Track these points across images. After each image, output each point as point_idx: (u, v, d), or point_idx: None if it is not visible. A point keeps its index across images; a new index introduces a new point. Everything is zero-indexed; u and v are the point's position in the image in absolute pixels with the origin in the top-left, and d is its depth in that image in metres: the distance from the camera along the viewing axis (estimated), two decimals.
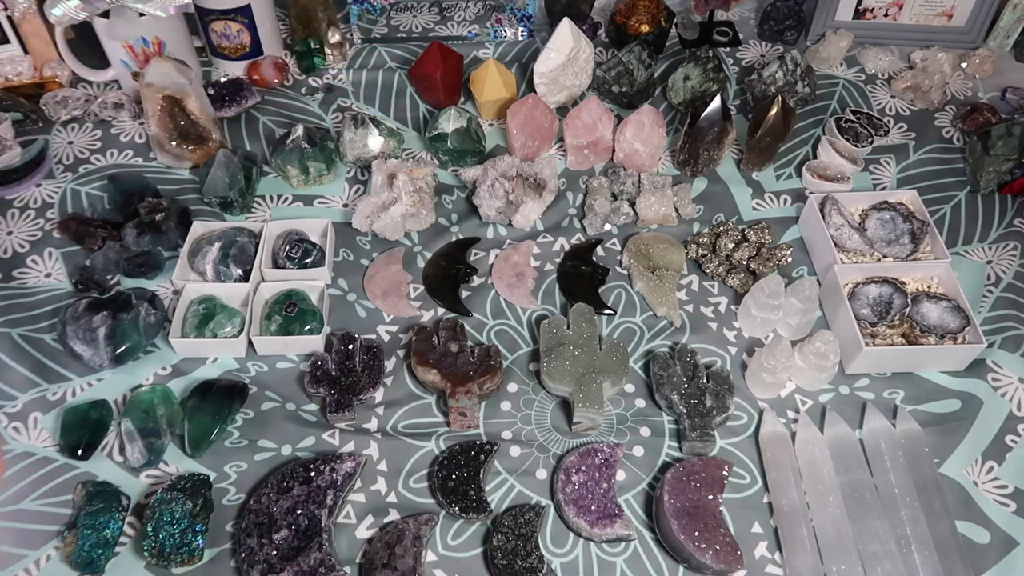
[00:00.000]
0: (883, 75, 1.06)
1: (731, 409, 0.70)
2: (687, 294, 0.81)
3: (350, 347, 0.73)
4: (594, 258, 0.84)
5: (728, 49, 1.10)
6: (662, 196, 0.86)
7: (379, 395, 0.72)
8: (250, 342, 0.74)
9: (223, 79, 0.98)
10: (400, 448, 0.68)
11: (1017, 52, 1.08)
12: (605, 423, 0.71)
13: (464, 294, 0.80)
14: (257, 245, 0.80)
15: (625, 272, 0.83)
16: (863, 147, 0.92)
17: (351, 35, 1.08)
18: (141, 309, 0.73)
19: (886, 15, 1.08)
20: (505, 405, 0.71)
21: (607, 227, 0.87)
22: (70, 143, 0.94)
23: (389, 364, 0.74)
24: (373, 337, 0.76)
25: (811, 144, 0.97)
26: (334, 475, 0.64)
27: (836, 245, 0.80)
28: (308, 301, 0.76)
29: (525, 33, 1.09)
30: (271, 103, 1.00)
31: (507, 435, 0.70)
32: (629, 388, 0.73)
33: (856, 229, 0.81)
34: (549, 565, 0.61)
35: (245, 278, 0.78)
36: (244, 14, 0.97)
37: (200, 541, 0.60)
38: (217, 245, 0.79)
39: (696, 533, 0.61)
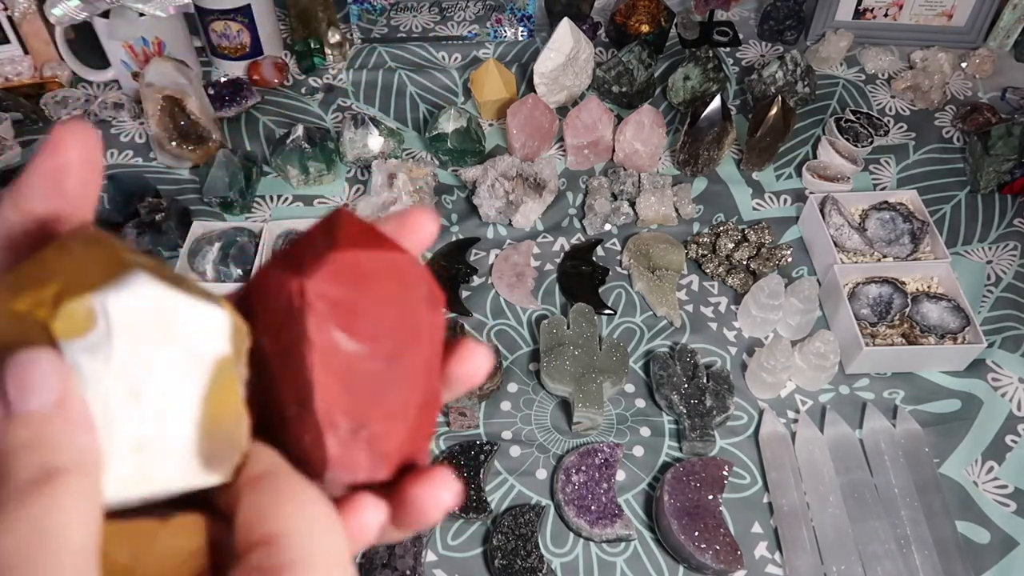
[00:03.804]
0: (883, 75, 1.06)
1: (731, 409, 0.70)
2: (687, 294, 0.81)
3: None
4: (594, 258, 0.84)
5: (728, 49, 1.10)
6: (662, 196, 0.86)
7: None
8: None
9: (223, 79, 0.98)
10: None
11: (1017, 52, 1.08)
12: (605, 423, 0.71)
13: (464, 294, 0.80)
14: (257, 245, 0.80)
15: (625, 272, 0.83)
16: (863, 147, 0.92)
17: (351, 35, 1.08)
18: None
19: (886, 15, 1.08)
20: (505, 405, 0.71)
21: (607, 227, 0.87)
22: None
23: None
24: None
25: (811, 144, 0.97)
26: None
27: (836, 245, 0.80)
28: None
29: (525, 33, 1.09)
30: (271, 103, 1.00)
31: (507, 435, 0.70)
32: (629, 388, 0.73)
33: (856, 229, 0.81)
34: (549, 565, 0.61)
35: (245, 278, 0.78)
36: (244, 14, 0.97)
37: None
38: (217, 245, 0.79)
39: (696, 533, 0.61)
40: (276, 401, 0.20)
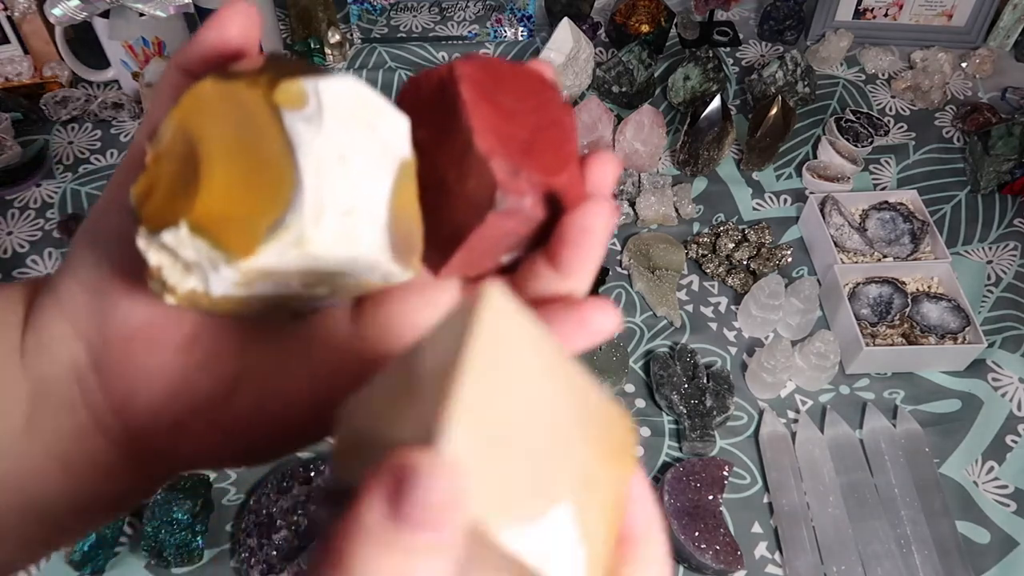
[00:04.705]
0: (883, 75, 1.06)
1: (731, 409, 0.70)
2: (687, 294, 0.81)
3: None
4: None
5: (728, 49, 1.10)
6: (662, 196, 0.86)
7: None
8: None
9: None
10: None
11: (1017, 52, 1.08)
12: None
13: None
14: None
15: (625, 272, 0.83)
16: (863, 147, 0.92)
17: (351, 35, 1.08)
18: None
19: (886, 15, 1.08)
20: None
21: None
22: (70, 143, 0.94)
23: None
24: None
25: (811, 144, 0.97)
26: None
27: (836, 245, 0.80)
28: None
29: (525, 33, 1.09)
30: None
31: None
32: (629, 388, 0.73)
33: (856, 229, 0.81)
34: None
35: None
36: None
37: (200, 541, 0.60)
38: None
39: (696, 533, 0.61)
40: (434, 182, 0.21)
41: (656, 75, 1.03)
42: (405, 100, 0.22)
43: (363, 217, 0.19)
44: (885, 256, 0.81)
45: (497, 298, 0.16)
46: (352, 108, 0.19)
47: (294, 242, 0.18)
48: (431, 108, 0.21)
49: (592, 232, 0.21)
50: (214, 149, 0.19)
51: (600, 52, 1.08)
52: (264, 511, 0.62)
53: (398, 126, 0.20)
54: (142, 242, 0.19)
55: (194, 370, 0.22)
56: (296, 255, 0.18)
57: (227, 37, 0.21)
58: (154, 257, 0.19)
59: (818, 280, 0.81)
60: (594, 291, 0.80)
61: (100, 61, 0.98)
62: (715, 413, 0.69)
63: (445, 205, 0.21)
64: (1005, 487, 0.67)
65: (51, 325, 0.22)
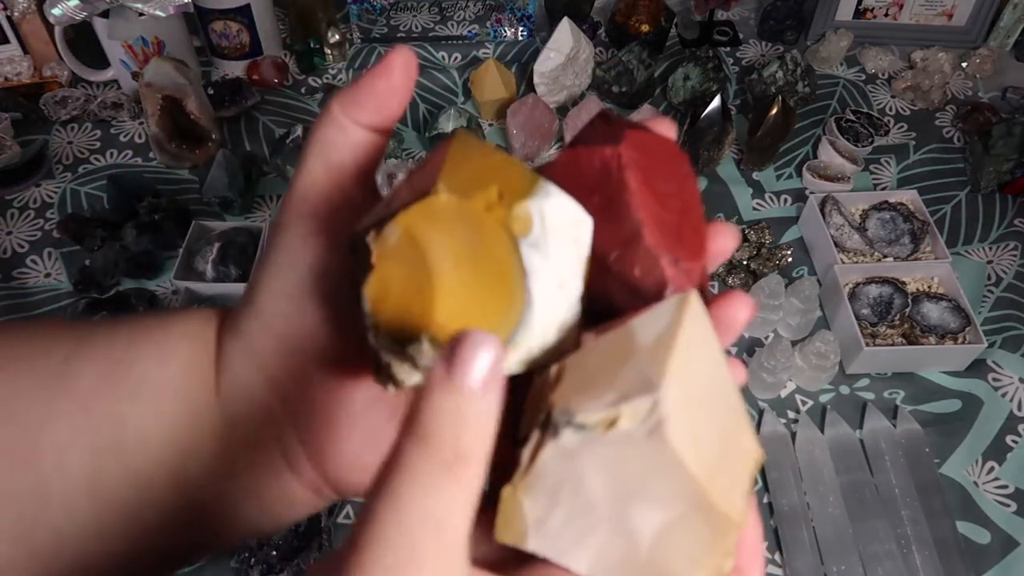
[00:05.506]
0: (883, 75, 1.06)
1: None
2: None
3: None
4: None
5: (728, 49, 1.10)
6: None
7: None
8: None
9: (223, 79, 0.98)
10: None
11: (1017, 52, 1.08)
12: None
13: None
14: (257, 245, 0.80)
15: None
16: (863, 147, 0.92)
17: (351, 35, 1.08)
18: (140, 310, 0.73)
19: (886, 15, 1.08)
20: None
21: None
22: (70, 143, 0.94)
23: None
24: None
25: (811, 144, 0.96)
26: None
27: (836, 245, 0.80)
28: None
29: (525, 33, 1.09)
30: (271, 103, 0.99)
31: None
32: None
33: (856, 229, 0.80)
34: None
35: (245, 278, 0.78)
36: (244, 14, 0.97)
37: None
38: (216, 245, 0.79)
39: None
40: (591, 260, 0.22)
41: (656, 75, 1.03)
42: (561, 172, 0.23)
43: (572, 327, 0.21)
44: (885, 256, 0.81)
45: (696, 301, 0.20)
46: (565, 225, 0.21)
47: (523, 360, 0.21)
48: (591, 186, 0.23)
49: (735, 326, 0.23)
50: (446, 262, 0.20)
51: (600, 52, 1.08)
52: None
53: (586, 228, 0.21)
54: (375, 342, 0.21)
55: (384, 421, 0.24)
56: (521, 367, 0.21)
57: (394, 85, 0.22)
58: (387, 356, 0.21)
59: (818, 280, 0.81)
60: None
61: (100, 61, 0.98)
62: None
63: (599, 280, 0.22)
64: (1005, 487, 0.67)
65: (245, 373, 0.23)
